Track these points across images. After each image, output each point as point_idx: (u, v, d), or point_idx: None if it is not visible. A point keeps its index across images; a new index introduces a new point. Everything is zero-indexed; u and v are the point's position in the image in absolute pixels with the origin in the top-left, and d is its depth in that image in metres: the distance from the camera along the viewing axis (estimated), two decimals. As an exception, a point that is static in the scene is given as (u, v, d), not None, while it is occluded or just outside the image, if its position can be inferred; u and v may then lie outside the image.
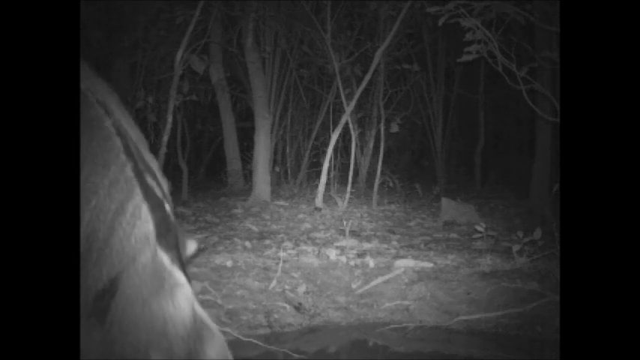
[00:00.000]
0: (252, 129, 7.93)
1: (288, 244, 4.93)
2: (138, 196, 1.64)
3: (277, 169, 9.29)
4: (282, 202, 7.33)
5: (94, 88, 1.78)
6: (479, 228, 4.96)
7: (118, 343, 1.58)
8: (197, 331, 1.69)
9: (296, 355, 3.10)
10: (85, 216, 1.61)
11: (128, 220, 1.61)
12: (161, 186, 1.80)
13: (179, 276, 1.69)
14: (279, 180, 9.19)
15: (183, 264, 1.81)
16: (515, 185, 9.67)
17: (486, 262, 4.47)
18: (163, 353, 1.59)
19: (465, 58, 4.67)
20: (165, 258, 1.68)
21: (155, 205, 1.70)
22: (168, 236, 1.74)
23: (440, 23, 4.55)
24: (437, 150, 10.92)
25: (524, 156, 11.08)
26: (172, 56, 6.41)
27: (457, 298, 3.90)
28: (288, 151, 9.55)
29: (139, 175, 1.67)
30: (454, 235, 5.78)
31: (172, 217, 1.83)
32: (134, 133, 1.77)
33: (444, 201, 6.76)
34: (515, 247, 4.49)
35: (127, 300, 1.58)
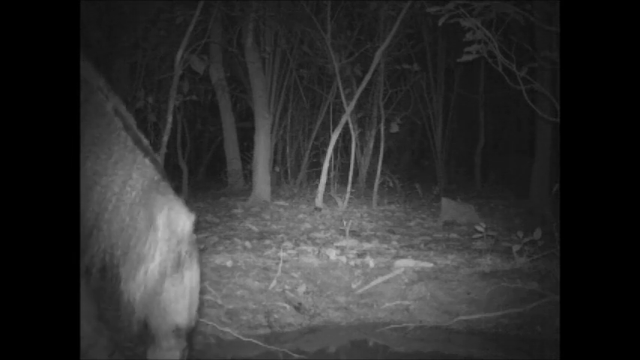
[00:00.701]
0: (252, 129, 7.92)
1: (288, 244, 4.93)
2: (140, 155, 2.04)
3: (277, 169, 9.28)
4: (282, 202, 7.33)
5: (92, 76, 2.01)
6: (479, 228, 4.96)
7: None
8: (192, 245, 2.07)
9: (296, 355, 3.10)
10: (94, 197, 1.91)
11: (135, 175, 2.00)
12: (152, 153, 2.16)
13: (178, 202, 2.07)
14: (279, 180, 9.19)
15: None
16: (515, 185, 9.65)
17: (486, 262, 4.47)
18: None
19: (465, 58, 4.66)
20: (169, 191, 2.07)
21: (154, 160, 2.10)
22: (167, 191, 2.09)
23: (440, 23, 4.55)
24: (437, 150, 10.92)
25: (524, 156, 11.05)
26: (172, 56, 6.40)
27: (457, 298, 3.90)
28: (288, 151, 9.54)
29: (138, 142, 2.07)
30: (454, 235, 5.77)
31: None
32: (125, 112, 2.14)
33: (444, 201, 6.76)
34: (515, 247, 4.49)
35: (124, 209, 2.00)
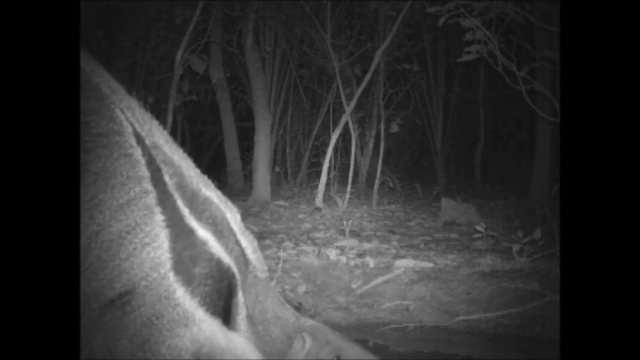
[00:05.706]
0: (252, 129, 7.92)
1: (288, 244, 4.93)
2: (155, 222, 1.66)
3: (277, 169, 9.28)
4: (282, 202, 7.33)
5: (135, 119, 1.84)
6: (479, 228, 4.96)
7: None
8: None
9: (296, 355, 3.09)
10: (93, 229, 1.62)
11: (137, 242, 1.63)
12: (208, 211, 1.88)
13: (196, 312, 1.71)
14: (279, 180, 9.19)
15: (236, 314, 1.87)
16: (515, 185, 9.66)
17: (486, 262, 4.47)
18: None
19: (465, 58, 4.67)
20: (180, 291, 1.67)
21: (178, 235, 1.70)
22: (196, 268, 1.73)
23: (440, 23, 4.56)
24: (437, 150, 10.92)
25: (524, 156, 11.07)
26: (172, 56, 6.41)
27: (457, 298, 3.89)
28: (288, 151, 9.54)
29: (162, 203, 1.70)
30: (454, 235, 5.77)
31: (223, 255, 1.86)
32: (185, 164, 1.84)
33: (444, 201, 6.75)
34: (515, 247, 4.49)
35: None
